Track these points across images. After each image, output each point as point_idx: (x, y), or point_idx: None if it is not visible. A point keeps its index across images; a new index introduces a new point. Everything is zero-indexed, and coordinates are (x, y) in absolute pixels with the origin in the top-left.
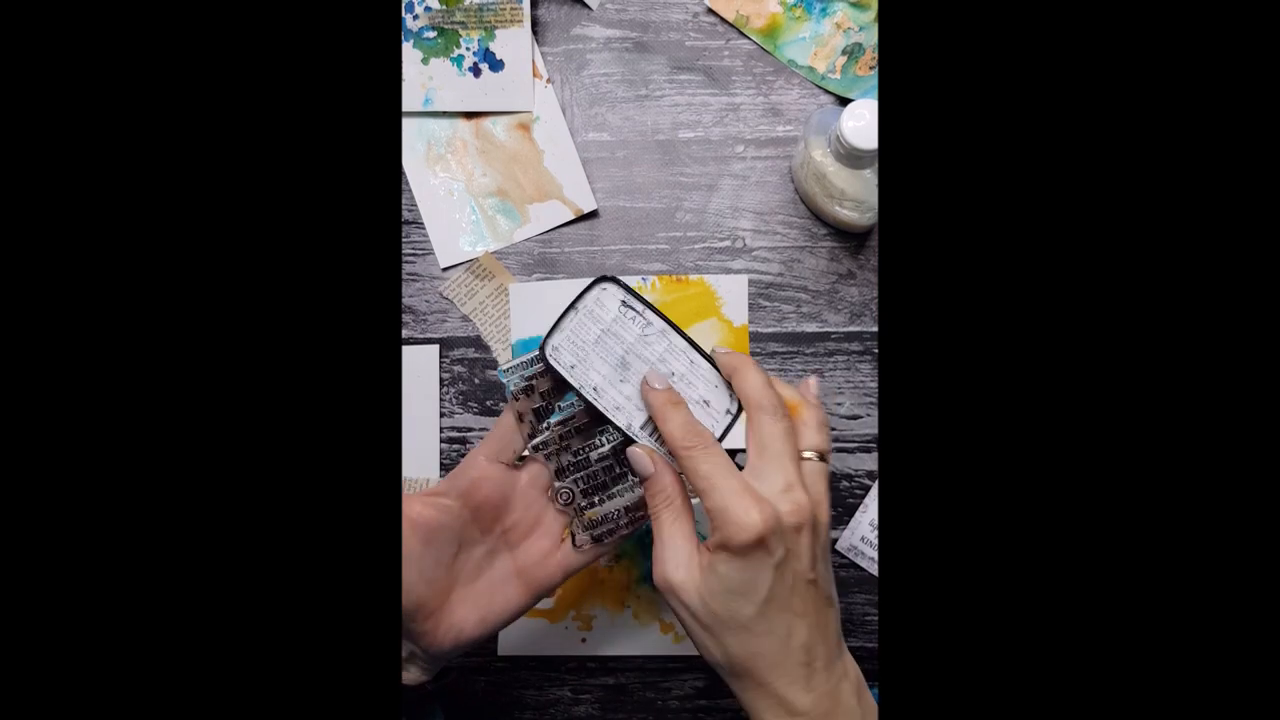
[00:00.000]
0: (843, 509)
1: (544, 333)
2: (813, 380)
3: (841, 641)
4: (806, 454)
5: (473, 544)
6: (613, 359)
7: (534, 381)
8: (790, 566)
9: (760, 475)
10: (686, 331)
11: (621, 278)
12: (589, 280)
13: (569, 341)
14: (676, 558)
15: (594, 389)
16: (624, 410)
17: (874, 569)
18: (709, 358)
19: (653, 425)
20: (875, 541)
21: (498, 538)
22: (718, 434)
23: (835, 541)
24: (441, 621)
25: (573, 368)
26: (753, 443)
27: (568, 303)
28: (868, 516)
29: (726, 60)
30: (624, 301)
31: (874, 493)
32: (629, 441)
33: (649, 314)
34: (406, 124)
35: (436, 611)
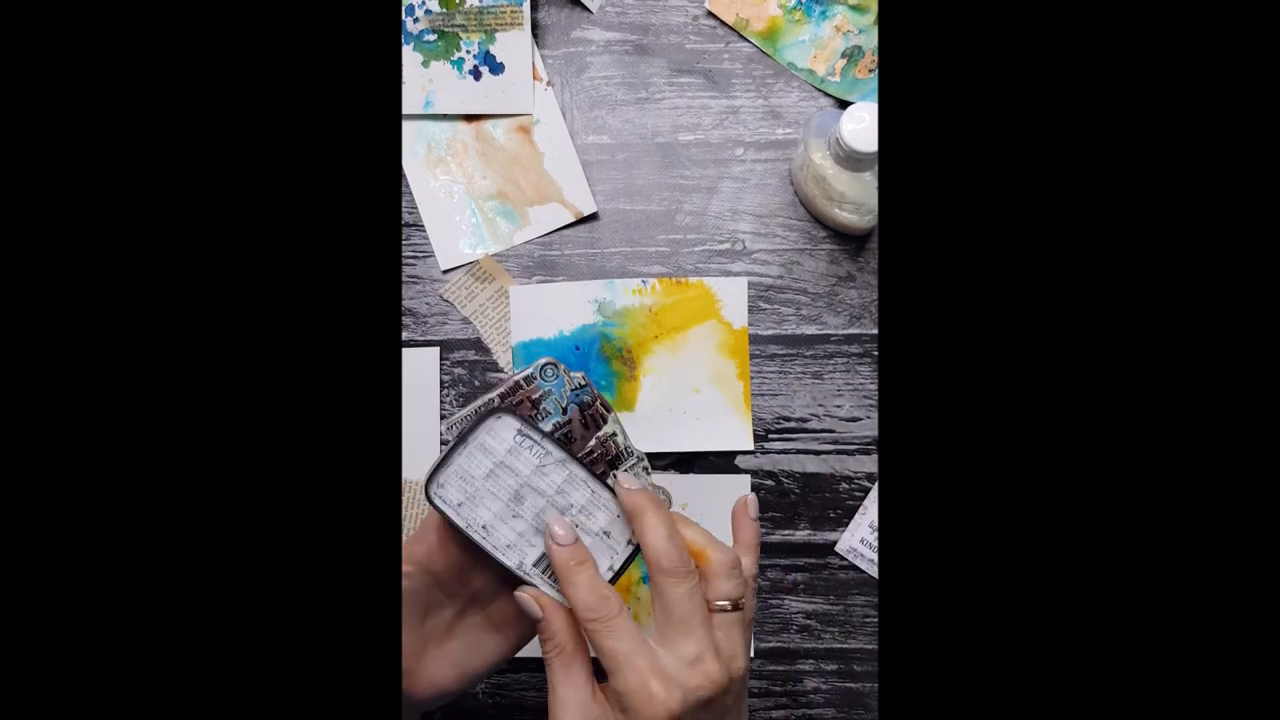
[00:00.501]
0: (842, 511)
1: (543, 336)
2: (749, 500)
3: None
4: (720, 603)
5: (440, 606)
6: (505, 493)
7: None
8: None
9: (669, 642)
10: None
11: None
12: (478, 413)
13: (456, 477)
14: (569, 713)
15: (483, 527)
16: (515, 548)
17: (873, 570)
18: (610, 488)
19: (546, 562)
20: (874, 543)
21: (466, 600)
22: (618, 566)
23: (835, 544)
24: (419, 680)
25: (460, 505)
26: (658, 606)
27: (456, 436)
28: (867, 518)
29: (726, 63)
30: (520, 431)
31: (873, 494)
32: (518, 579)
33: (547, 444)
34: (407, 127)
35: (412, 671)
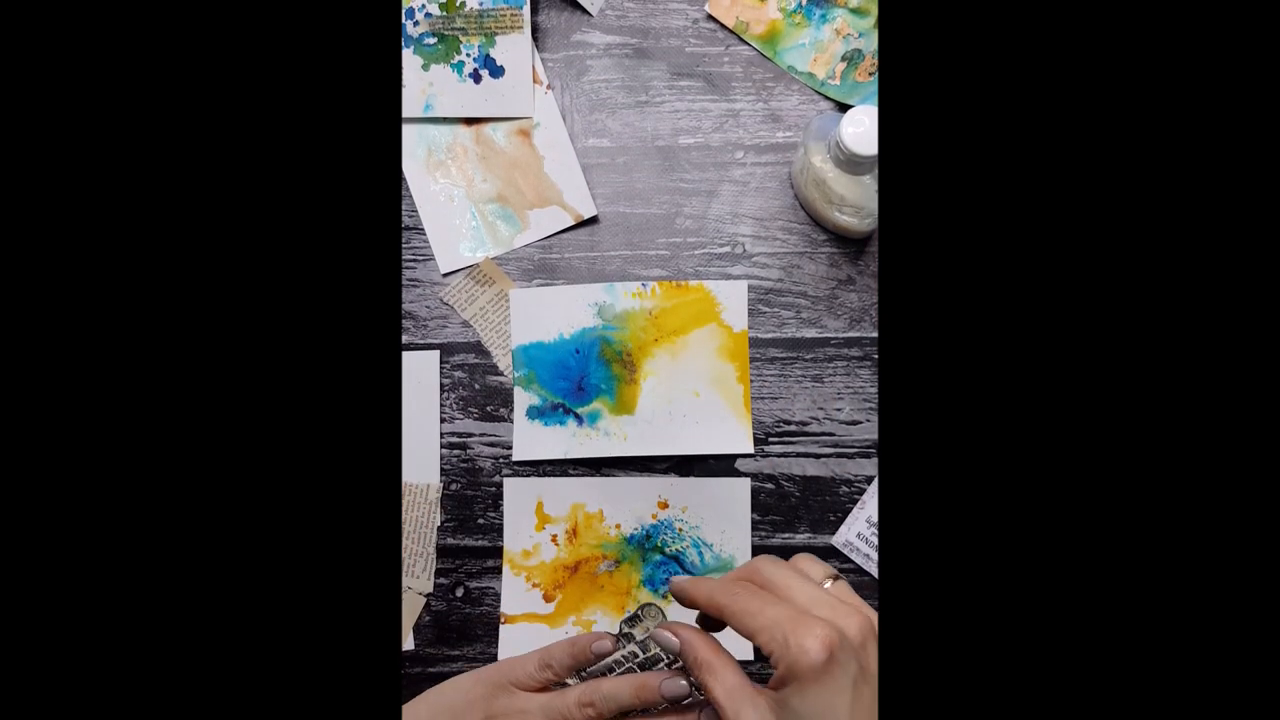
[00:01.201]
0: (842, 514)
1: (543, 340)
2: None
3: None
4: (825, 584)
5: None
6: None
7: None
8: (864, 683)
9: (802, 607)
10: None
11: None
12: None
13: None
14: (744, 714)
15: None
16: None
17: (868, 565)
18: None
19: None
20: (870, 538)
21: None
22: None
23: (831, 537)
24: None
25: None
26: (771, 597)
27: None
28: (865, 513)
29: (726, 66)
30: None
31: (873, 489)
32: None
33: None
34: (407, 130)
35: None
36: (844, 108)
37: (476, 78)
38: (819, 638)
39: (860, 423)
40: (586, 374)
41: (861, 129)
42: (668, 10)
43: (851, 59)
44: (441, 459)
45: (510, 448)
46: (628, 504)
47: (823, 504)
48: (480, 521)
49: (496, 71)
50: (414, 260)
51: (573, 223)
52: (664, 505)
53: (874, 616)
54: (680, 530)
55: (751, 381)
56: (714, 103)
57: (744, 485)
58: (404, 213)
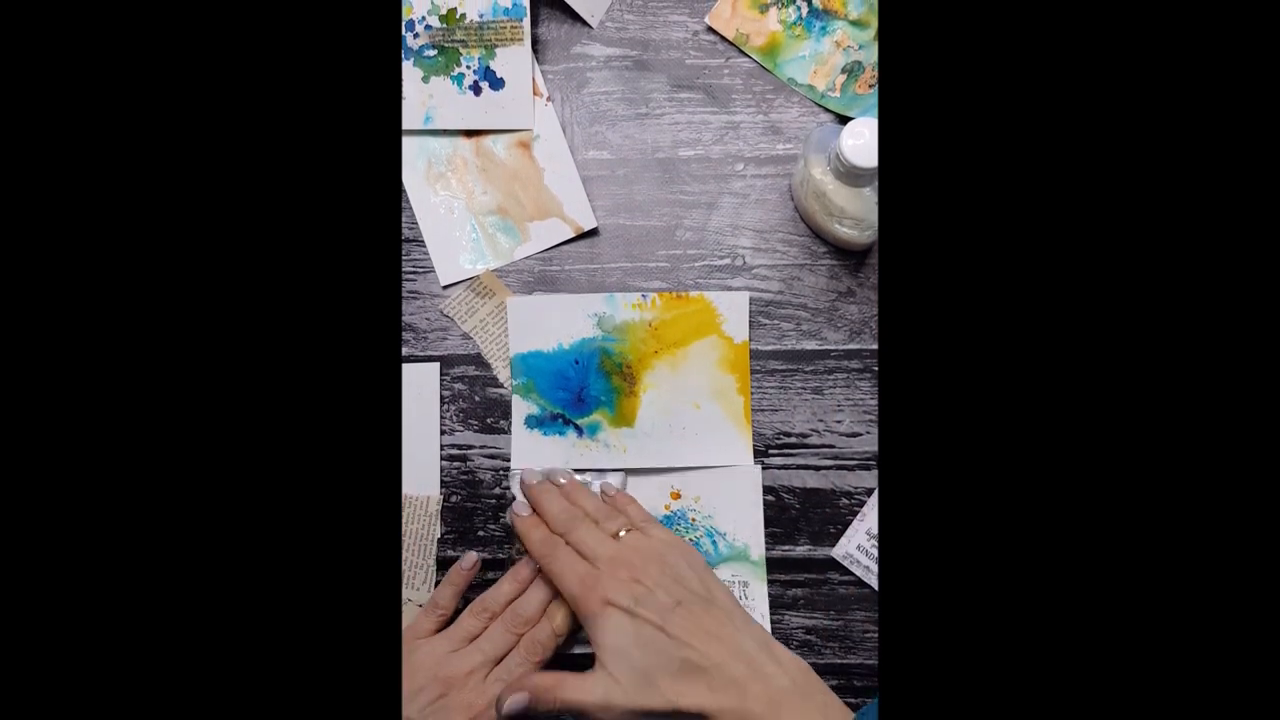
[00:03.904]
0: (842, 526)
1: (542, 349)
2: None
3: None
4: (621, 533)
5: None
6: None
7: None
8: (643, 606)
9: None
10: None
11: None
12: None
13: None
14: (575, 681)
15: None
16: None
17: (868, 577)
18: None
19: None
20: (870, 550)
21: None
22: None
23: (831, 549)
24: None
25: None
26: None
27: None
28: (865, 525)
29: (726, 78)
30: None
31: (873, 501)
32: None
33: None
34: (407, 142)
35: None
36: (844, 120)
37: (476, 90)
38: (576, 587)
39: (860, 435)
40: (586, 385)
41: (861, 141)
42: (668, 23)
43: (851, 71)
44: (441, 471)
45: (510, 460)
46: (642, 494)
47: (822, 516)
48: (480, 534)
49: (496, 84)
50: (414, 272)
51: (573, 235)
52: (677, 495)
53: (655, 541)
54: (693, 520)
55: (752, 393)
56: (714, 115)
57: (755, 474)
58: (404, 225)
